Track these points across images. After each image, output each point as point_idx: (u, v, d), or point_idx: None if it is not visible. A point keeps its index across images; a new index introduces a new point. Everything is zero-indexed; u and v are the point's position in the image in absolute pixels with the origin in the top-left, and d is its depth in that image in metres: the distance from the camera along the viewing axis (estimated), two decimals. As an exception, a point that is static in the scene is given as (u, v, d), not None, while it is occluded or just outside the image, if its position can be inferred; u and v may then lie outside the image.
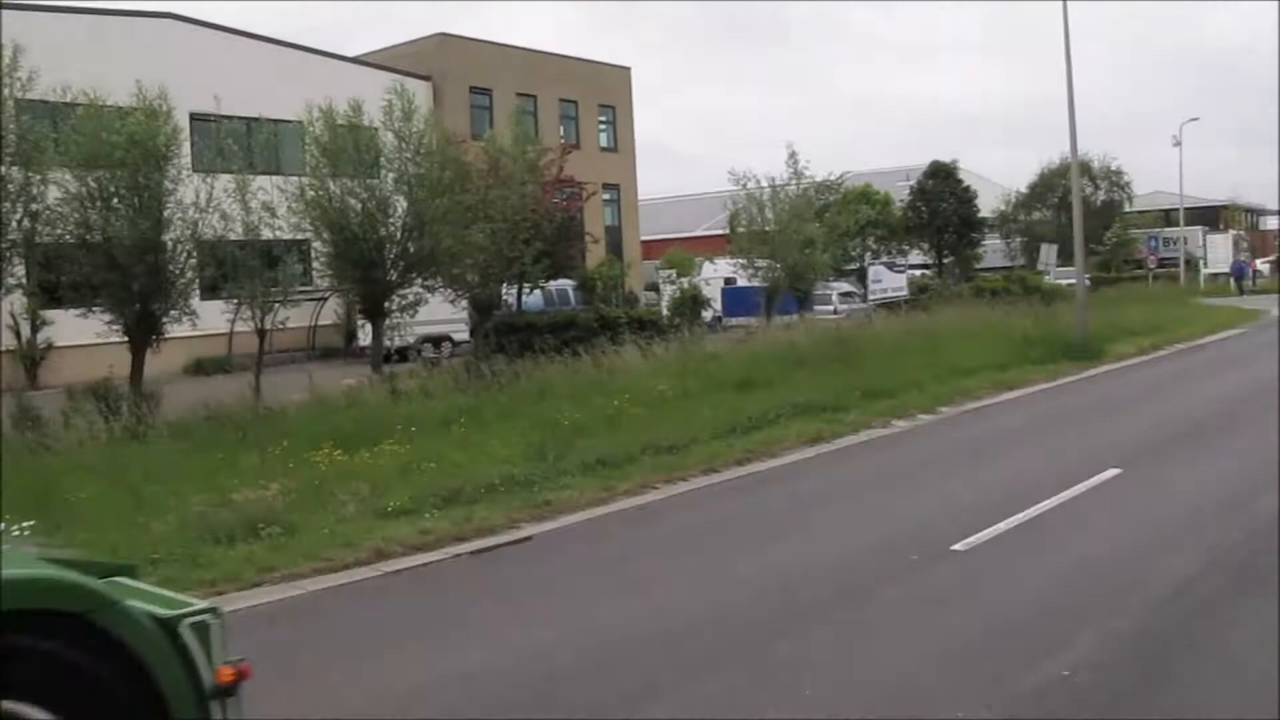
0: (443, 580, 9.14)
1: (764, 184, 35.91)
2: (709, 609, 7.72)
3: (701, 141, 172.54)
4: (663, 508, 11.57)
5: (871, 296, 40.87)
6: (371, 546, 9.78)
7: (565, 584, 8.81)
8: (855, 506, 11.16)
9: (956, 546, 8.99)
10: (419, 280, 22.97)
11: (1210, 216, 74.04)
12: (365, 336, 26.36)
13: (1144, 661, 6.40)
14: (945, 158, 56.29)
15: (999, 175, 77.68)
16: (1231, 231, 70.15)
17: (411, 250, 22.36)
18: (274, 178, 22.13)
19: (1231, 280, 52.80)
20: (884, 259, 50.48)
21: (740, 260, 36.52)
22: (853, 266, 48.78)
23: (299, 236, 22.54)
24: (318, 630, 7.98)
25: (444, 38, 41.38)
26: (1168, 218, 69.07)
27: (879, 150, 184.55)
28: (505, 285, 28.02)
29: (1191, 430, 14.78)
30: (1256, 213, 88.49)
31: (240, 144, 21.22)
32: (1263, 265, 66.15)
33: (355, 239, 21.71)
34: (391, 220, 22.36)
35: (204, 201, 18.82)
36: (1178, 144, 60.12)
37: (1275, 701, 5.68)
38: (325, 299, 30.54)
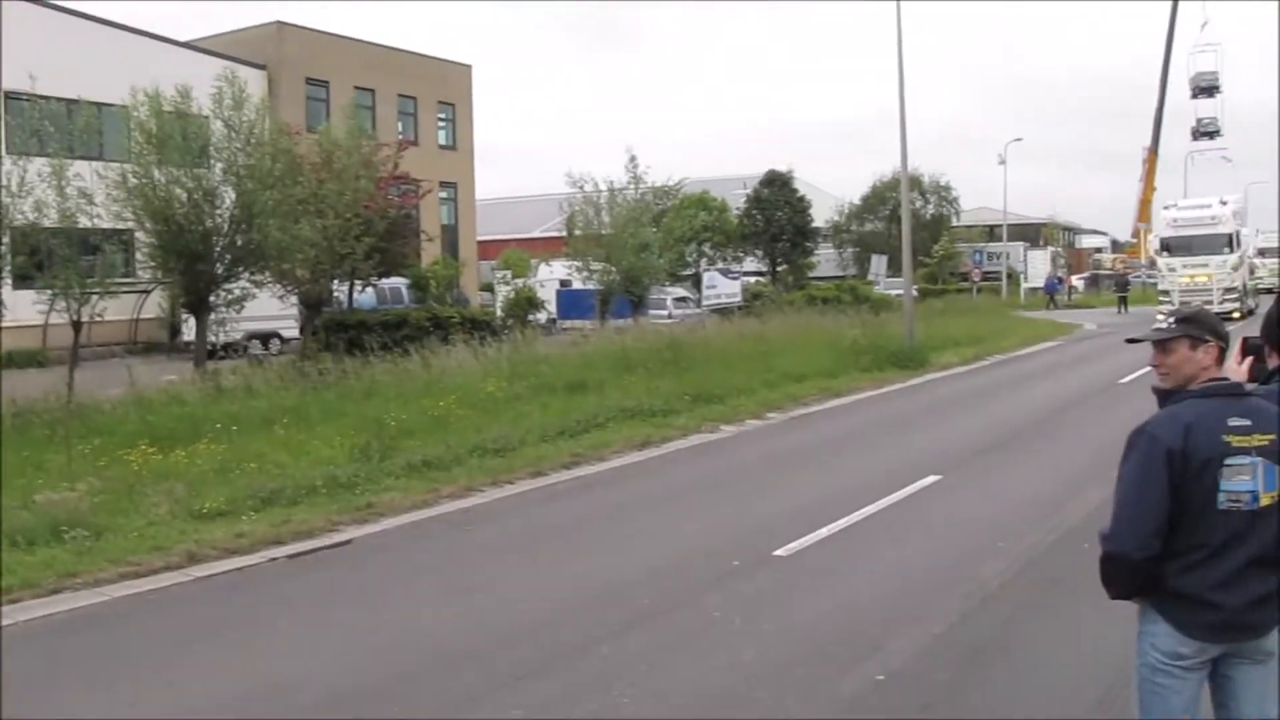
0: (256, 585, 8.87)
1: (602, 187, 36.10)
2: (529, 616, 7.67)
3: (542, 141, 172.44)
4: (487, 511, 11.47)
5: (706, 302, 41.47)
6: (183, 550, 9.46)
7: (384, 590, 8.63)
8: (680, 511, 11.23)
9: (779, 552, 9.13)
10: (246, 274, 22.33)
11: (1031, 233, 77.63)
12: (190, 331, 25.48)
13: (957, 665, 6.61)
14: (782, 167, 57.63)
15: (833, 186, 79.81)
16: (1050, 248, 73.57)
17: (239, 243, 21.73)
18: (95, 163, 21.21)
19: (1045, 295, 55.35)
20: (719, 265, 51.29)
21: (576, 263, 36.64)
22: (688, 272, 49.45)
23: (120, 226, 21.62)
24: (118, 640, 7.64)
25: (281, 26, 40.35)
26: (991, 233, 72.01)
27: (717, 157, 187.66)
28: (336, 282, 27.45)
29: (1008, 438, 15.36)
30: (1073, 231, 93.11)
31: (59, 126, 20.22)
32: (1078, 281, 69.66)
33: (180, 230, 20.97)
34: (219, 212, 21.68)
35: (16, 186, 17.90)
36: (1003, 163, 62.81)
37: (1082, 701, 5.98)
38: (148, 292, 29.39)
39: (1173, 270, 40.74)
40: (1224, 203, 41.92)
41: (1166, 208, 43.53)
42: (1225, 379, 3.89)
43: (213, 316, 22.46)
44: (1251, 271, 50.21)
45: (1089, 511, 10.20)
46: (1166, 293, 40.08)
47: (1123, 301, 50.72)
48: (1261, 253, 61.11)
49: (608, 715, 5.93)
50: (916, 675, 6.43)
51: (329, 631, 7.58)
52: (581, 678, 6.48)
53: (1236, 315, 36.15)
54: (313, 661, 6.94)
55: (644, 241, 34.30)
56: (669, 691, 6.26)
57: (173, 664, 6.97)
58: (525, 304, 34.84)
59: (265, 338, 30.85)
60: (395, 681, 6.51)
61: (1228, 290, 39.68)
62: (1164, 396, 3.94)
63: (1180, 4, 51.60)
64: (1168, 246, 41.66)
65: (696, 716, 5.95)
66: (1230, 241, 40.81)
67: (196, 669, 6.87)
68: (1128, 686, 5.73)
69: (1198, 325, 3.91)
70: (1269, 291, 54.55)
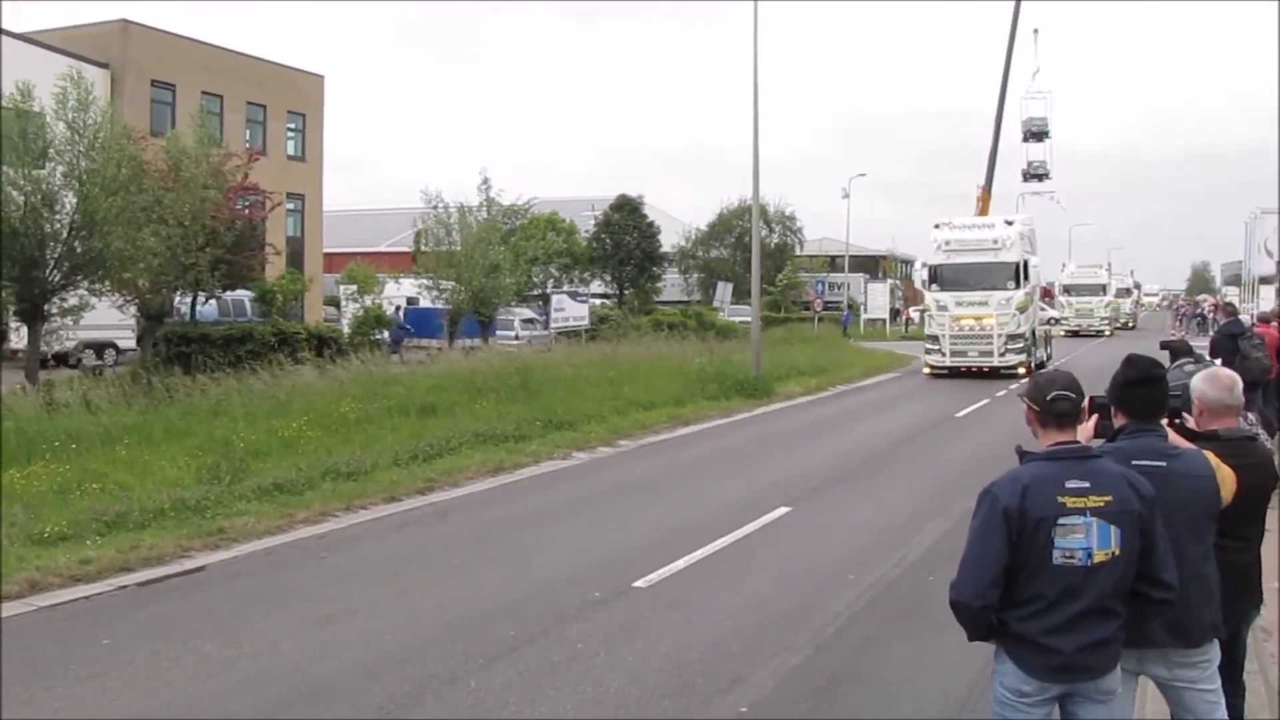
0: (106, 615, 8.63)
1: (452, 207, 36.04)
2: (394, 647, 7.68)
3: (388, 151, 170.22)
4: (343, 537, 11.39)
5: (554, 324, 41.59)
6: (24, 578, 9.14)
7: (242, 619, 8.48)
8: (538, 539, 11.33)
9: (638, 583, 9.32)
10: (85, 283, 21.58)
11: (871, 265, 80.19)
12: (19, 340, 24.43)
13: (816, 695, 6.90)
14: (632, 191, 58.30)
15: (681, 211, 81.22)
16: (889, 280, 76.04)
17: (79, 250, 21.01)
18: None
19: (843, 327, 57.67)
20: (567, 287, 51.53)
21: (425, 280, 36.43)
22: (536, 293, 49.55)
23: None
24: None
25: (126, 24, 38.99)
26: (833, 263, 74.05)
27: (566, 176, 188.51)
28: (179, 293, 26.72)
29: (853, 470, 15.90)
30: (909, 263, 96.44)
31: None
32: (915, 313, 72.14)
33: (15, 234, 20.18)
34: (58, 217, 20.93)
35: None
36: (846, 196, 64.83)
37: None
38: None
39: (943, 309, 31.87)
40: (1009, 222, 33.32)
41: (938, 226, 33.01)
42: (1074, 442, 4.26)
43: (46, 326, 21.65)
44: (1049, 320, 48.39)
45: (931, 544, 10.77)
46: (935, 339, 32.26)
47: None
48: (1123, 292, 70.19)
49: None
50: (778, 706, 6.72)
51: (187, 664, 7.42)
52: (453, 710, 6.55)
53: (1022, 371, 30.19)
54: (171, 696, 6.83)
55: (494, 263, 34.36)
56: (534, 727, 6.37)
57: (17, 703, 6.72)
58: (373, 322, 34.42)
59: (100, 348, 29.75)
60: (261, 716, 6.49)
61: (1011, 338, 31.22)
62: (1021, 456, 4.30)
63: (1014, 51, 53.39)
64: (937, 277, 32.52)
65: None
66: (1017, 273, 31.64)
67: (44, 708, 6.66)
68: (977, 711, 6.19)
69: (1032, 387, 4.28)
70: (1075, 334, 57.69)
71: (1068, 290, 62.46)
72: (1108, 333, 59.41)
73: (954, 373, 31.29)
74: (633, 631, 8.15)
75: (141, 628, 8.35)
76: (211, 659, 7.53)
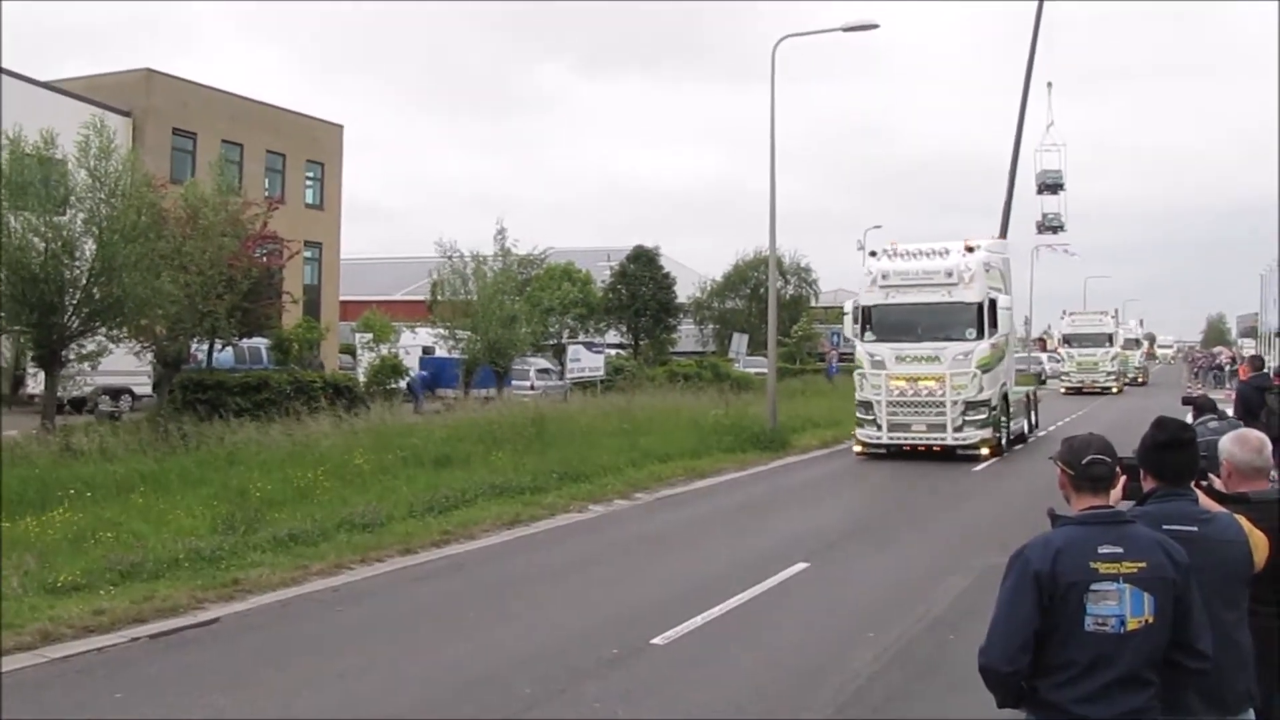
0: (119, 668, 8.54)
1: (468, 257, 36.19)
2: (410, 704, 7.59)
3: (411, 201, 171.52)
4: (358, 590, 11.31)
5: (569, 375, 41.55)
6: (36, 628, 9.07)
7: (256, 674, 8.42)
8: (555, 594, 11.24)
9: (656, 640, 9.20)
10: (103, 329, 21.66)
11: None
12: (37, 384, 24.51)
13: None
14: (649, 241, 58.56)
15: (697, 261, 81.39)
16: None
17: (97, 296, 21.08)
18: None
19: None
20: (582, 338, 51.59)
21: (441, 330, 36.51)
22: (551, 343, 49.62)
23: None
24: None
25: (150, 73, 39.48)
26: (850, 315, 73.75)
27: (584, 226, 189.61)
28: (196, 340, 26.81)
29: (871, 524, 15.79)
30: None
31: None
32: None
33: (35, 280, 20.22)
34: (78, 263, 21.03)
35: None
36: (861, 248, 64.80)
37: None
38: (-12, 342, 28.14)
39: (879, 366, 23.93)
40: (970, 249, 24.13)
41: (874, 254, 25.16)
42: (1108, 506, 4.19)
43: (64, 371, 21.71)
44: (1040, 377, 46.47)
45: (951, 601, 10.64)
46: (867, 406, 24.09)
47: None
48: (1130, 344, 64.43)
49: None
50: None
51: (200, 719, 7.36)
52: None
53: (985, 452, 23.26)
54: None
55: (510, 313, 34.45)
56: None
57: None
58: (390, 371, 34.47)
59: (116, 393, 29.84)
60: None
61: (971, 406, 23.18)
62: (1054, 519, 4.24)
63: (1028, 104, 53.50)
64: (870, 322, 24.44)
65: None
66: (980, 318, 23.49)
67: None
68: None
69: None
70: (1079, 391, 52.84)
71: (1068, 340, 57.67)
72: (1115, 389, 54.12)
73: (894, 453, 23.90)
74: (651, 690, 8.05)
75: (154, 681, 8.26)
76: (225, 715, 7.45)
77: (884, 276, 24.25)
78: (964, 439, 23.23)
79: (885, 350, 23.89)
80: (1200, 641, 4.06)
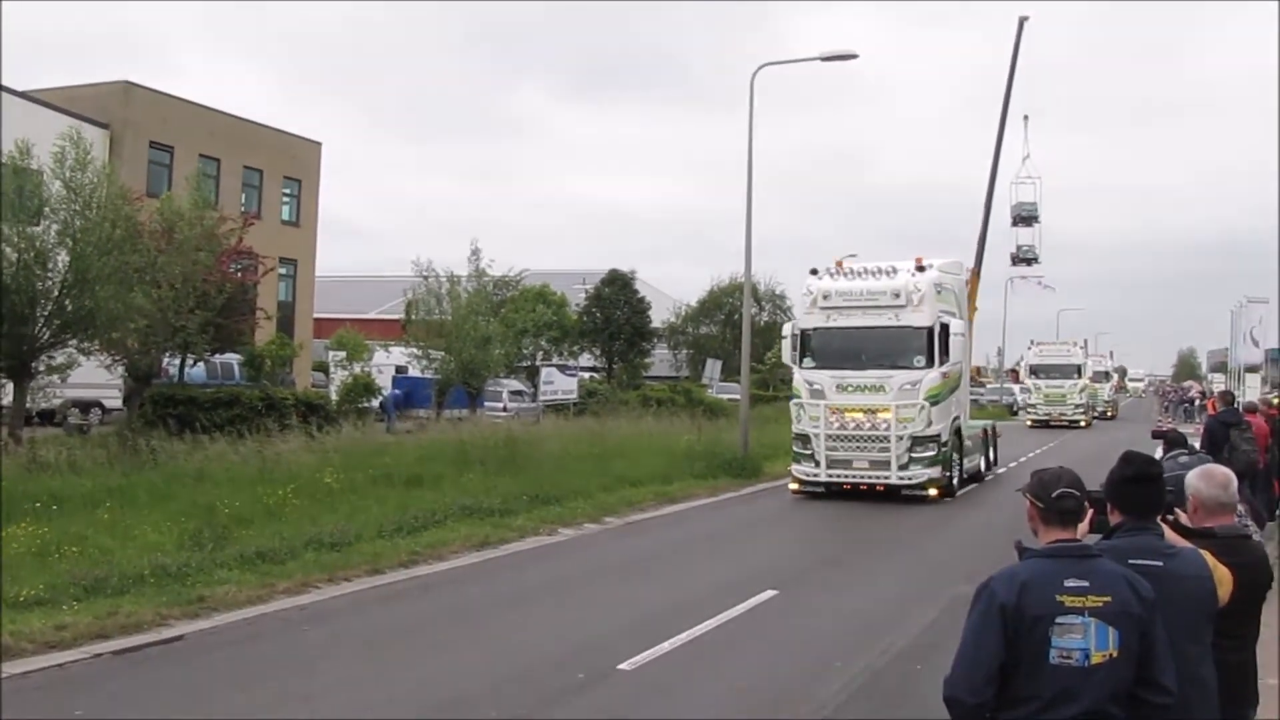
0: (78, 685, 8.44)
1: (443, 277, 36.17)
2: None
3: (388, 221, 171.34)
4: (324, 609, 11.21)
5: (542, 397, 41.53)
6: (-3, 642, 8.98)
7: (218, 694, 8.32)
8: (523, 618, 11.18)
9: (623, 666, 9.14)
10: (74, 342, 21.52)
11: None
12: (5, 395, 24.30)
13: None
14: (625, 266, 58.67)
15: (673, 287, 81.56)
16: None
17: (69, 308, 20.98)
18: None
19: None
20: (556, 360, 51.56)
21: (414, 350, 36.44)
22: (525, 365, 49.58)
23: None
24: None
25: (128, 86, 39.32)
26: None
27: (559, 249, 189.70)
28: (168, 355, 26.67)
29: (842, 552, 15.77)
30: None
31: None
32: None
33: (5, 290, 20.12)
34: (50, 274, 20.93)
35: None
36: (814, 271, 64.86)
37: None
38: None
39: (817, 395, 21.74)
40: (920, 268, 21.77)
41: (815, 273, 22.51)
42: (1075, 540, 4.21)
43: (33, 383, 21.55)
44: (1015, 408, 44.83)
45: (918, 632, 10.64)
46: (805, 438, 22.00)
47: None
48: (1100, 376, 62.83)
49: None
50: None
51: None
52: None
53: (933, 493, 21.23)
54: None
55: (485, 334, 34.46)
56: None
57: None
58: (362, 390, 34.35)
59: (86, 406, 29.61)
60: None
61: (919, 441, 21.08)
62: (1020, 552, 4.26)
63: (1004, 136, 53.76)
64: (809, 347, 22.31)
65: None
66: (930, 343, 21.26)
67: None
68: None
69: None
70: (1045, 424, 51.00)
71: (1035, 372, 55.47)
72: (1083, 423, 52.50)
73: (832, 491, 21.71)
74: (617, 715, 7.99)
75: (115, 699, 8.17)
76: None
77: (825, 297, 21.98)
78: (909, 478, 21.14)
79: (825, 378, 21.69)
80: (1164, 676, 4.07)
